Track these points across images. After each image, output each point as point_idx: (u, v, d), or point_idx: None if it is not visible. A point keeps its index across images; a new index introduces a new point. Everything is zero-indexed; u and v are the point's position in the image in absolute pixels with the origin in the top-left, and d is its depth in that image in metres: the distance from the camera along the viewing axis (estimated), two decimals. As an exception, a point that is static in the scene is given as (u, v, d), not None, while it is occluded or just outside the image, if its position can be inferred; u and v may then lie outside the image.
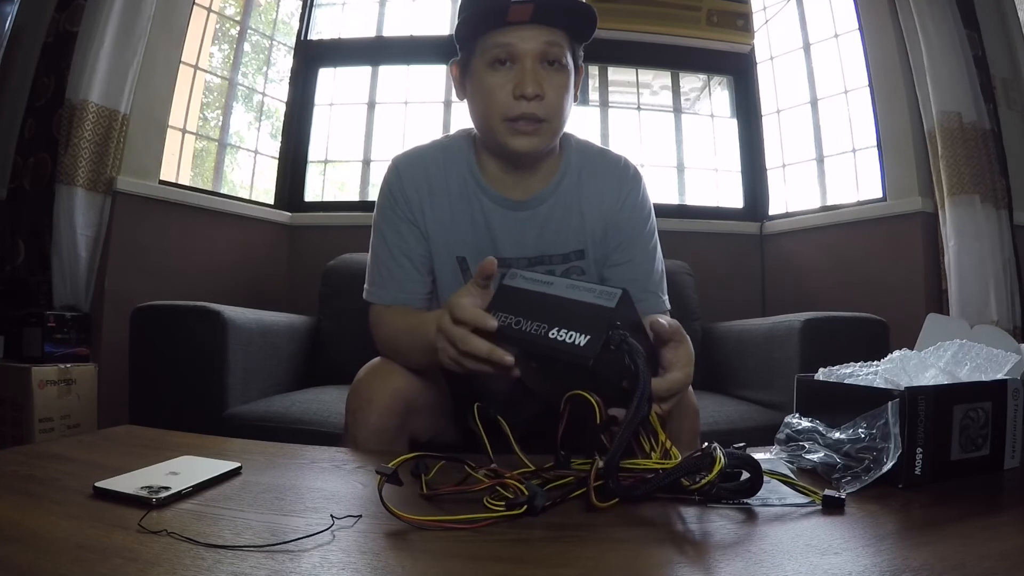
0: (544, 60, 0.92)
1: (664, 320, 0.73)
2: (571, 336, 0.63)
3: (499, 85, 0.92)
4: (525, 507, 0.55)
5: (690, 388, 0.92)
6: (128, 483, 0.61)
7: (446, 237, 1.03)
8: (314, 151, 2.56)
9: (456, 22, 0.97)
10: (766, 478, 0.70)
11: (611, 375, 0.63)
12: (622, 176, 1.07)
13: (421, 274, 1.03)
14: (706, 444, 0.61)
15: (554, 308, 0.66)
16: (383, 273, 1.03)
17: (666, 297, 1.06)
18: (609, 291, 0.64)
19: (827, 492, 0.60)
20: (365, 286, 1.05)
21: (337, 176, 2.66)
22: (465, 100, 1.01)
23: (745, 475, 0.61)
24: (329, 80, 2.60)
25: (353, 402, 0.91)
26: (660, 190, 2.55)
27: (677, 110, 2.64)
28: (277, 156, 2.52)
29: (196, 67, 2.24)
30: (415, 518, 0.54)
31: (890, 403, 0.66)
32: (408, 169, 1.04)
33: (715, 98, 2.67)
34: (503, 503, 0.57)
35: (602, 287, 0.65)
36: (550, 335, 0.64)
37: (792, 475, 0.67)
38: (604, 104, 2.59)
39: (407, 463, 0.63)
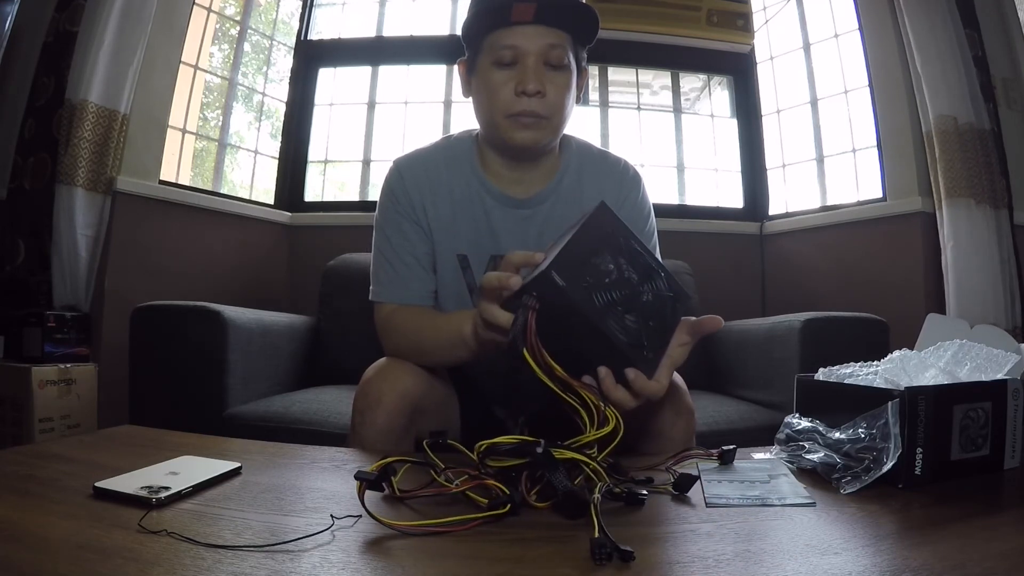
0: (546, 59, 0.94)
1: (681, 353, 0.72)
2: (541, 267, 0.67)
3: (502, 82, 0.95)
4: (508, 506, 0.56)
5: (685, 389, 0.92)
6: (128, 483, 0.61)
7: (447, 236, 1.04)
8: (314, 151, 2.56)
9: (463, 21, 0.99)
10: (769, 476, 0.70)
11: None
12: (622, 177, 1.08)
13: (427, 272, 1.04)
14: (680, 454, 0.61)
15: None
16: (389, 273, 1.03)
17: None
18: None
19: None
20: (371, 287, 1.05)
21: (337, 176, 2.66)
22: (470, 97, 1.03)
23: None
24: (329, 80, 2.60)
25: (361, 402, 0.91)
26: (660, 190, 2.55)
27: (677, 110, 2.64)
28: (277, 156, 2.52)
29: (196, 67, 2.24)
30: (399, 524, 0.54)
31: (890, 403, 0.66)
32: (409, 170, 1.05)
33: (715, 98, 2.67)
34: (486, 502, 0.57)
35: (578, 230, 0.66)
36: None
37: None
38: (604, 104, 2.59)
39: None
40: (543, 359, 0.62)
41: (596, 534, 0.49)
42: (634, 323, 0.66)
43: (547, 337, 0.63)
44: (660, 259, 1.08)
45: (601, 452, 0.62)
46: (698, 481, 0.66)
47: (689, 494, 0.64)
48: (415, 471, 0.66)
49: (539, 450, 0.58)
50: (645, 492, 0.63)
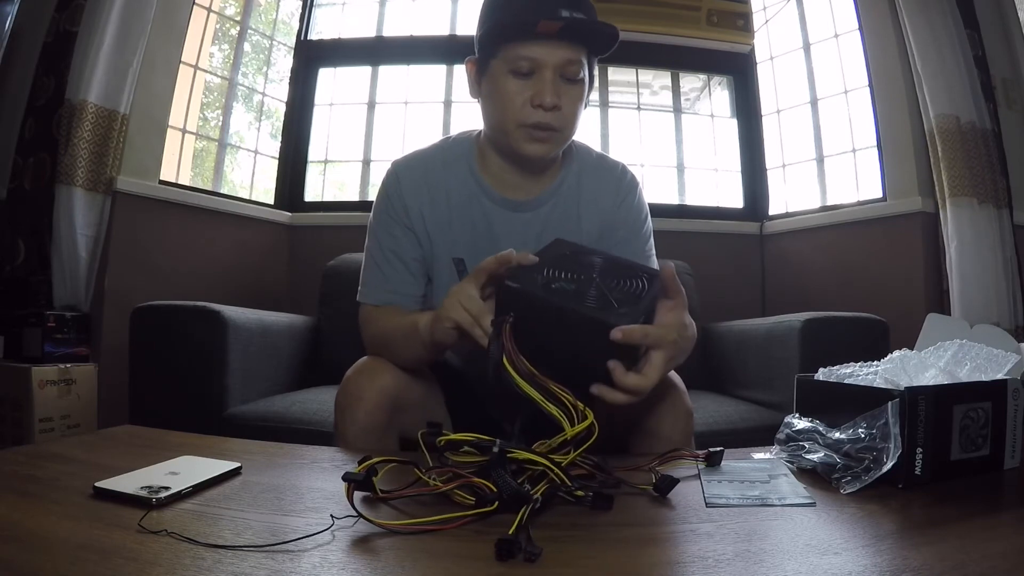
0: (563, 73, 0.93)
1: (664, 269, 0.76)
2: None
3: (517, 91, 0.93)
4: (496, 504, 0.55)
5: (684, 390, 0.92)
6: (128, 483, 0.61)
7: (445, 240, 1.04)
8: (314, 151, 2.56)
9: (479, 25, 0.98)
10: (769, 476, 0.70)
11: None
12: (619, 180, 1.09)
13: (413, 276, 1.04)
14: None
15: None
16: (375, 274, 1.04)
17: None
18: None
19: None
20: (359, 288, 1.06)
21: (337, 176, 2.66)
22: (478, 99, 1.01)
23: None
24: (329, 80, 2.60)
25: (342, 400, 0.93)
26: (660, 190, 2.55)
27: (677, 110, 2.64)
28: (277, 156, 2.52)
29: (196, 67, 2.24)
30: (391, 523, 0.54)
31: (890, 403, 0.66)
32: (407, 173, 1.05)
33: (715, 98, 2.67)
34: (473, 500, 0.57)
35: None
36: None
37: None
38: (604, 104, 2.58)
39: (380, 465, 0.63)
40: (523, 364, 0.65)
41: (511, 532, 0.49)
42: (596, 292, 0.72)
43: (534, 356, 0.66)
44: (656, 261, 1.09)
45: (576, 451, 0.62)
46: (679, 483, 0.65)
47: (689, 494, 0.64)
48: (399, 469, 0.66)
49: (495, 449, 0.58)
50: (612, 493, 0.62)
